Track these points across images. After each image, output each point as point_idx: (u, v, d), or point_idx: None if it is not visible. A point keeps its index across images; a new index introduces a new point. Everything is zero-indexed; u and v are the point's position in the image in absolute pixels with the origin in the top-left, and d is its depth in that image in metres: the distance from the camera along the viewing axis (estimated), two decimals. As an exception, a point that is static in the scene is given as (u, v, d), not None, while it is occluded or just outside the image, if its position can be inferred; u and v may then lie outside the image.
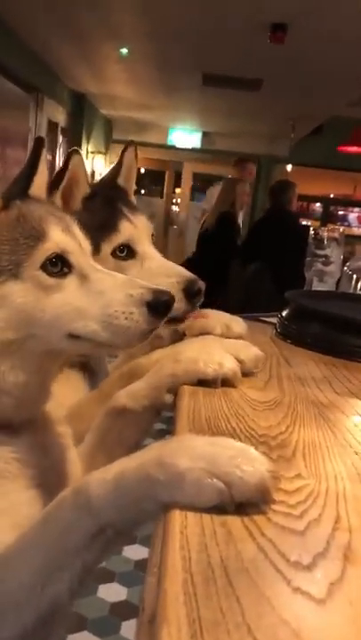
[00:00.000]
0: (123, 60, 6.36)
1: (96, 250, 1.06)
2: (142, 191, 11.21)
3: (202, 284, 1.13)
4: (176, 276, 1.13)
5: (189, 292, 1.11)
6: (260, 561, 0.47)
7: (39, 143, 0.90)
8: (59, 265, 0.76)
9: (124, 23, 5.18)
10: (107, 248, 1.11)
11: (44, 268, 0.75)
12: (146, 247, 1.15)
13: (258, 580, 0.45)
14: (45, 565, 0.61)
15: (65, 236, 0.78)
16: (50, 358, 0.80)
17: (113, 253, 1.12)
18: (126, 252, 1.13)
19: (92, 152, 9.43)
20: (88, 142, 9.19)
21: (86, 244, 0.83)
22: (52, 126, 7.65)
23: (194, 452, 0.56)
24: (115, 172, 1.24)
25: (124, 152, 1.23)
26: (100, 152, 9.79)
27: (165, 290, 0.80)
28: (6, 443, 0.76)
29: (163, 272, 1.13)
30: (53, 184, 1.03)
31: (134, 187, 1.27)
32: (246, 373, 0.97)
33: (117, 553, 2.90)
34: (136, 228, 1.15)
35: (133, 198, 1.26)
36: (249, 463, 0.54)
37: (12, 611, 0.62)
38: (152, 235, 1.19)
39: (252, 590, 0.43)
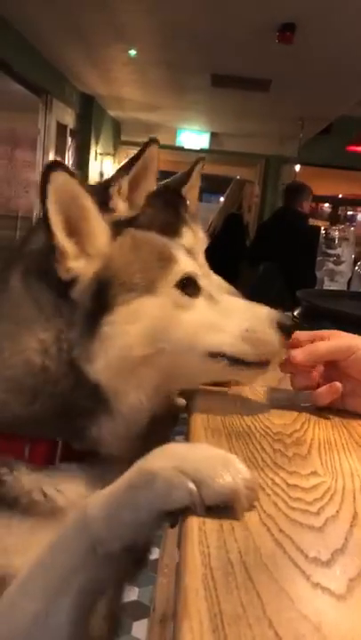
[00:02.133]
0: (131, 62, 6.38)
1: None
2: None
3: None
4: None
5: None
6: (278, 557, 0.47)
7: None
8: (190, 286, 0.78)
9: (133, 25, 5.20)
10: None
11: (177, 286, 0.76)
12: (200, 260, 1.13)
13: (277, 575, 0.45)
14: (48, 588, 0.59)
15: (191, 260, 0.81)
16: (175, 379, 0.79)
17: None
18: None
19: (101, 154, 9.46)
20: (97, 144, 9.22)
21: (207, 270, 0.87)
22: (61, 128, 7.68)
23: (169, 455, 0.57)
24: (180, 181, 1.22)
25: (194, 165, 1.23)
26: (108, 154, 9.82)
27: (288, 315, 0.84)
28: (94, 484, 0.71)
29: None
30: (124, 169, 0.98)
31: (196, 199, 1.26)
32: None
33: (128, 553, 2.91)
34: (197, 242, 1.14)
35: (195, 208, 1.25)
36: (223, 467, 0.54)
37: None
38: (206, 249, 1.20)
39: (271, 585, 0.43)
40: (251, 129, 9.31)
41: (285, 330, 0.80)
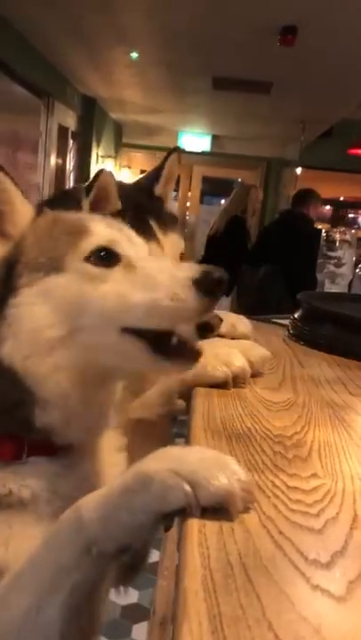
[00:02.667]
0: (133, 65, 6.39)
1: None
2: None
3: (216, 320, 1.07)
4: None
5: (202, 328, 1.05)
6: (278, 559, 0.47)
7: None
8: (105, 257, 0.73)
9: (134, 28, 5.21)
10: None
11: (87, 259, 0.72)
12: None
13: (277, 577, 0.45)
14: (40, 586, 0.59)
15: (110, 229, 0.77)
16: (94, 362, 0.74)
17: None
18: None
19: (102, 156, 9.47)
20: (98, 146, 9.23)
21: (138, 239, 0.80)
22: (63, 131, 7.69)
23: (165, 457, 0.57)
24: (154, 177, 1.19)
25: (167, 158, 1.19)
26: (109, 156, 9.82)
27: (216, 268, 0.73)
28: (63, 476, 0.73)
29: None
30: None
31: (172, 192, 1.23)
32: (255, 374, 0.98)
33: (128, 556, 2.91)
34: (163, 250, 1.11)
35: (170, 206, 1.21)
36: (219, 469, 0.54)
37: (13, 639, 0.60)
38: (181, 254, 1.16)
39: (271, 587, 0.43)
40: (252, 132, 9.31)
41: (208, 288, 0.70)
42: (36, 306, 0.71)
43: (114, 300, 0.71)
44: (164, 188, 1.19)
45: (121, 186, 1.11)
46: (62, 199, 0.96)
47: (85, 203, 0.98)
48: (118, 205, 1.07)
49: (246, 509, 0.53)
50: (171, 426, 0.94)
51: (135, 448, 0.90)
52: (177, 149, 1.20)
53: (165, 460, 0.56)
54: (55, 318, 0.70)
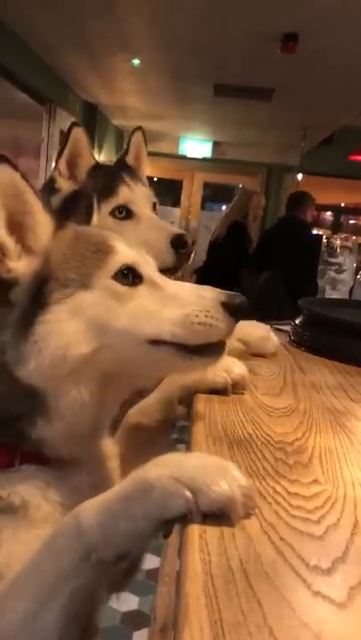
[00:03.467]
0: (134, 71, 6.41)
1: (97, 211, 1.23)
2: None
3: (186, 238, 1.26)
4: (166, 231, 1.26)
5: (176, 244, 1.24)
6: (279, 565, 0.47)
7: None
8: (129, 276, 0.75)
9: (136, 35, 5.23)
10: (105, 208, 1.26)
11: (115, 277, 0.74)
12: (142, 209, 1.28)
13: (278, 583, 0.45)
14: (38, 592, 0.59)
15: (131, 250, 0.79)
16: (118, 374, 0.76)
17: (112, 213, 1.26)
18: (125, 213, 1.27)
19: (104, 162, 9.50)
20: (100, 152, 9.26)
21: (150, 259, 0.83)
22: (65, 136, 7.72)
23: (166, 464, 0.57)
24: (123, 153, 1.40)
25: (131, 136, 1.40)
26: (111, 162, 9.86)
27: (238, 294, 0.78)
28: (54, 486, 0.74)
29: (154, 227, 1.26)
30: (58, 155, 1.24)
31: (145, 168, 1.44)
32: (260, 380, 0.98)
33: (129, 562, 2.90)
34: (134, 193, 1.28)
35: (144, 177, 1.40)
36: (220, 475, 0.54)
37: None
38: (154, 203, 1.32)
39: (272, 593, 0.44)
40: (253, 138, 9.34)
41: (232, 310, 0.75)
42: (65, 323, 0.71)
43: (143, 315, 0.74)
44: (136, 162, 1.40)
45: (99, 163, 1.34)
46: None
47: (62, 162, 1.15)
48: (92, 160, 1.29)
49: (247, 515, 0.53)
50: (170, 432, 0.94)
51: (133, 454, 0.90)
52: (139, 128, 1.43)
53: (166, 467, 0.56)
54: (84, 335, 0.71)
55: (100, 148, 9.27)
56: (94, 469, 0.80)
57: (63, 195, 1.28)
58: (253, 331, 1.01)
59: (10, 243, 0.73)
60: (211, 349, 0.76)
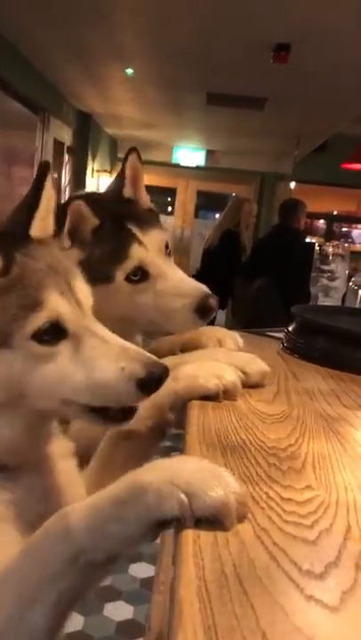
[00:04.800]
0: (128, 81, 6.45)
1: (111, 279, 1.08)
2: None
3: (213, 301, 1.12)
4: (188, 297, 1.11)
5: (201, 311, 1.10)
6: (272, 569, 0.48)
7: (43, 170, 0.85)
8: (51, 332, 0.73)
9: (130, 44, 5.26)
10: (120, 275, 1.10)
11: (35, 336, 0.72)
12: (158, 266, 1.13)
13: (271, 587, 0.45)
14: (24, 594, 0.59)
15: (62, 300, 0.75)
16: (44, 416, 0.79)
17: (127, 279, 1.10)
18: (140, 274, 1.11)
19: (98, 170, 9.52)
20: (94, 161, 9.29)
21: (88, 300, 0.80)
22: (58, 145, 7.74)
23: (160, 468, 0.57)
24: (119, 183, 1.20)
25: (125, 161, 1.19)
26: (105, 170, 9.88)
27: (161, 364, 0.75)
28: (4, 486, 0.75)
29: (175, 293, 1.12)
30: (57, 225, 0.95)
31: (144, 193, 1.24)
32: (253, 386, 0.98)
33: (123, 571, 2.88)
34: (146, 249, 1.12)
35: (145, 200, 1.23)
36: (214, 480, 0.54)
37: None
38: (166, 245, 1.17)
39: (265, 598, 0.44)
40: (246, 146, 9.40)
41: (147, 387, 0.73)
42: None
43: (56, 378, 0.73)
44: (134, 189, 1.21)
45: (93, 200, 1.14)
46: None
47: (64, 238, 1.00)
48: (94, 223, 1.10)
49: (241, 520, 0.54)
50: (159, 440, 0.94)
51: (120, 460, 0.91)
52: (134, 149, 1.21)
53: (160, 471, 0.56)
54: (2, 386, 0.72)
55: (94, 156, 9.29)
56: (45, 471, 0.81)
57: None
58: (255, 364, 1.00)
59: None
60: (119, 418, 0.76)
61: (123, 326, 0.86)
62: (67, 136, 8.12)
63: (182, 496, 0.52)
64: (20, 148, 6.74)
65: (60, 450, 0.86)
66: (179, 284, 1.14)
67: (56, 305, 0.73)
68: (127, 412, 0.76)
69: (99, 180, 9.54)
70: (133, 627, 2.54)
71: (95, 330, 0.77)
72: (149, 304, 1.11)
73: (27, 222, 0.80)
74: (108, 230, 1.12)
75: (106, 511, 0.57)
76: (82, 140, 8.67)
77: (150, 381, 0.72)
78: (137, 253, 1.11)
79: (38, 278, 0.74)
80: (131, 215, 1.16)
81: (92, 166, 9.17)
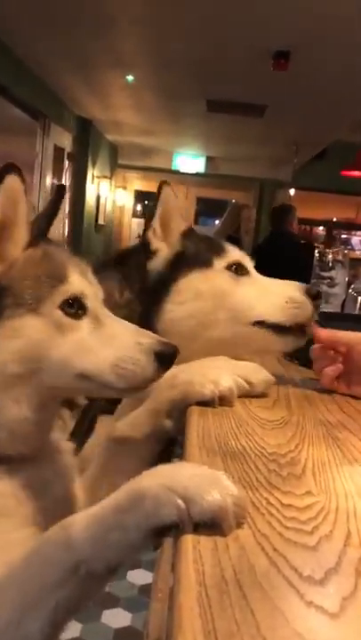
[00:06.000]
0: (128, 87, 6.48)
1: (210, 264, 1.16)
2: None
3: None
4: (294, 285, 1.20)
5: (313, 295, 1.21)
6: (272, 575, 0.47)
7: (62, 192, 0.95)
8: (75, 307, 0.78)
9: (130, 51, 5.29)
10: (221, 263, 1.18)
11: (61, 307, 0.77)
12: (251, 270, 1.21)
13: (271, 593, 0.45)
14: (22, 600, 0.59)
15: (83, 281, 0.81)
16: (54, 395, 0.81)
17: (228, 268, 1.18)
18: (238, 270, 1.18)
19: (98, 177, 9.55)
20: (94, 167, 9.31)
21: (100, 292, 0.85)
22: (59, 152, 7.76)
23: (157, 475, 0.57)
24: (149, 227, 1.21)
25: (159, 194, 1.19)
26: (105, 177, 9.91)
27: (171, 343, 0.81)
28: (4, 478, 0.75)
29: (277, 283, 1.21)
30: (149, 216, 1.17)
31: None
32: (258, 396, 0.98)
33: (121, 578, 2.87)
34: (241, 255, 1.22)
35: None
36: (212, 485, 0.54)
37: None
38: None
39: (266, 603, 0.44)
40: (246, 153, 9.44)
41: (164, 359, 0.79)
42: (8, 340, 0.74)
43: (79, 351, 0.76)
44: (170, 227, 1.20)
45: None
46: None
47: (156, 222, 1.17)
48: (183, 225, 1.22)
49: (239, 525, 0.54)
50: (157, 445, 0.94)
51: (116, 464, 0.91)
52: (165, 183, 1.20)
53: (158, 477, 0.56)
54: (19, 356, 0.74)
55: (94, 163, 9.32)
56: (45, 465, 0.82)
57: (166, 257, 1.18)
58: (259, 374, 1.00)
59: None
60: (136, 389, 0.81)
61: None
62: (67, 142, 8.14)
63: (179, 501, 0.52)
64: (21, 154, 6.76)
65: (62, 446, 0.88)
66: (274, 280, 1.24)
67: (79, 283, 0.80)
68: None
69: (99, 187, 9.57)
70: (131, 634, 2.53)
71: (108, 313, 0.83)
72: (253, 292, 1.20)
73: (46, 227, 0.88)
74: (198, 235, 1.28)
75: (107, 520, 0.57)
76: (82, 146, 8.70)
77: (167, 355, 0.79)
78: (235, 252, 1.23)
79: (62, 258, 0.81)
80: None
81: (92, 172, 9.20)
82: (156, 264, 1.16)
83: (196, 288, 1.13)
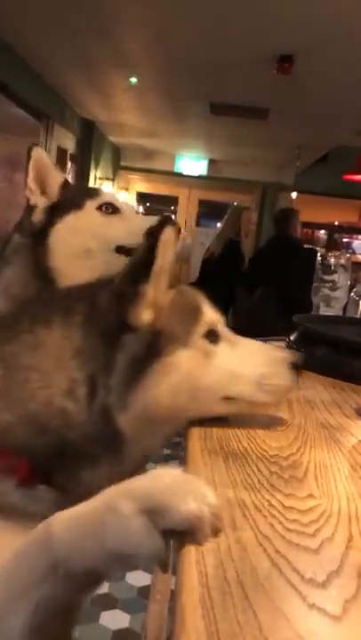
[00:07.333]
0: (132, 89, 6.48)
1: (82, 206, 1.35)
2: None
3: None
4: None
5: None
6: (275, 577, 0.48)
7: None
8: (213, 334, 0.83)
9: (134, 53, 5.30)
10: (93, 204, 1.36)
11: (205, 337, 0.81)
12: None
13: (274, 595, 0.45)
14: (7, 595, 0.59)
15: (210, 309, 0.86)
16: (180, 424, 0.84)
17: (99, 208, 1.36)
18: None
19: (100, 178, 9.55)
20: (96, 169, 9.31)
21: (221, 318, 0.90)
22: (62, 153, 7.76)
23: (136, 482, 0.56)
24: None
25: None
26: (107, 178, 9.91)
27: (297, 353, 0.89)
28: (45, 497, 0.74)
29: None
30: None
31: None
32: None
33: (120, 579, 2.87)
34: (111, 195, 1.42)
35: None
36: (188, 492, 0.53)
37: None
38: None
39: (268, 605, 0.44)
40: (248, 156, 9.44)
41: (296, 370, 0.86)
42: (165, 376, 0.76)
43: (226, 374, 0.82)
44: (47, 182, 1.39)
45: None
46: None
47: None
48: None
49: (216, 534, 0.53)
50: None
51: None
52: (35, 144, 1.49)
53: (135, 485, 0.55)
54: (173, 389, 0.76)
55: (97, 164, 9.33)
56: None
57: (44, 208, 1.35)
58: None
59: (149, 291, 0.78)
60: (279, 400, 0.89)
61: None
62: (70, 144, 8.15)
63: (145, 517, 0.52)
64: (24, 155, 6.75)
65: None
66: None
67: (210, 311, 0.85)
68: None
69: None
70: (130, 635, 2.53)
71: (232, 333, 0.88)
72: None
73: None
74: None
75: (83, 526, 0.57)
76: (85, 147, 8.70)
77: (299, 363, 0.86)
78: None
79: (189, 292, 0.87)
80: None
81: (94, 174, 9.20)
82: (38, 216, 1.33)
83: (74, 225, 1.32)
